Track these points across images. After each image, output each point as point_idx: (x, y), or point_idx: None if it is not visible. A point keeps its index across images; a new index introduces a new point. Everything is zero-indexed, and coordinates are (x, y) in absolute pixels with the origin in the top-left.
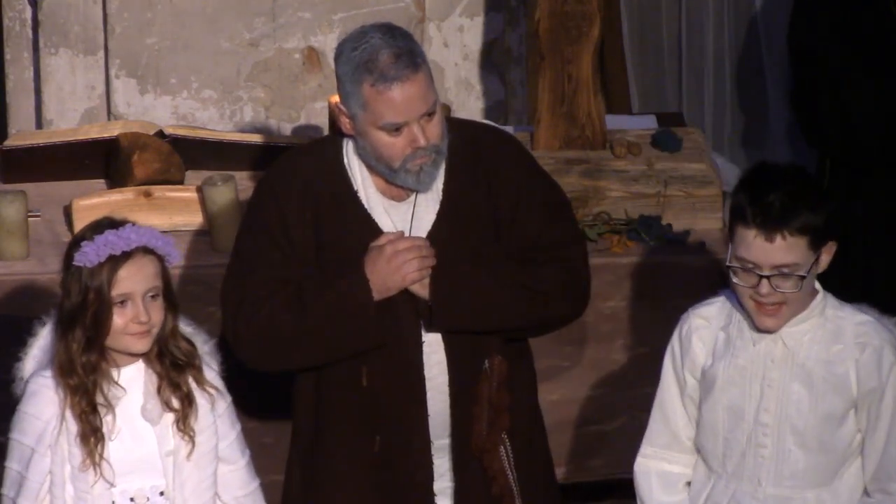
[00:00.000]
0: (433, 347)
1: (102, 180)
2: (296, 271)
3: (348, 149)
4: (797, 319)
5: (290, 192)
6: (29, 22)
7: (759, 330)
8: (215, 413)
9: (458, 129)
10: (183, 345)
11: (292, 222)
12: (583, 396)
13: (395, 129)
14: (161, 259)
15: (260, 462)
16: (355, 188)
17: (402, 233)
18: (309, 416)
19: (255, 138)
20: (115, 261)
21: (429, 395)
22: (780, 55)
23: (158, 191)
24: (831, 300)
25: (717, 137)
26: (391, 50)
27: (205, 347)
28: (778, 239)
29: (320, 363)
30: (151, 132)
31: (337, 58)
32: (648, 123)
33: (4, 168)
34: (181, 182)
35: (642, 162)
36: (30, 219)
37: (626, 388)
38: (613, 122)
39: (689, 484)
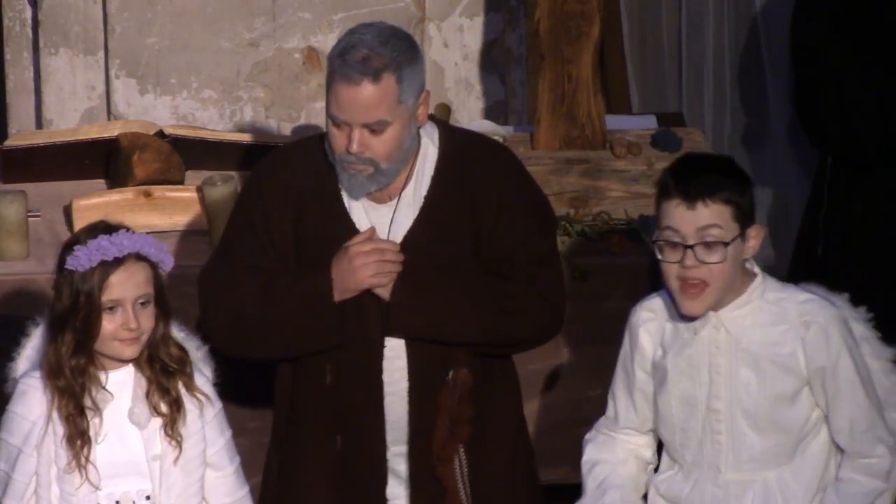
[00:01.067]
0: (396, 352)
1: (102, 180)
2: (272, 262)
3: None
4: (736, 304)
5: (276, 185)
6: (29, 22)
7: (682, 317)
8: (203, 419)
9: (452, 138)
10: (174, 351)
11: (274, 215)
12: (582, 396)
13: (337, 123)
14: (154, 266)
15: (259, 462)
16: (340, 186)
17: (372, 230)
18: (284, 409)
19: (256, 138)
20: (107, 266)
21: (389, 399)
22: (780, 55)
23: (158, 191)
24: (772, 283)
25: (717, 137)
26: (367, 51)
27: (197, 353)
28: (699, 205)
29: (281, 356)
30: (151, 132)
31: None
32: (648, 123)
33: (4, 168)
34: (181, 182)
35: (642, 162)
36: (30, 219)
37: None
38: (613, 122)
39: (644, 462)
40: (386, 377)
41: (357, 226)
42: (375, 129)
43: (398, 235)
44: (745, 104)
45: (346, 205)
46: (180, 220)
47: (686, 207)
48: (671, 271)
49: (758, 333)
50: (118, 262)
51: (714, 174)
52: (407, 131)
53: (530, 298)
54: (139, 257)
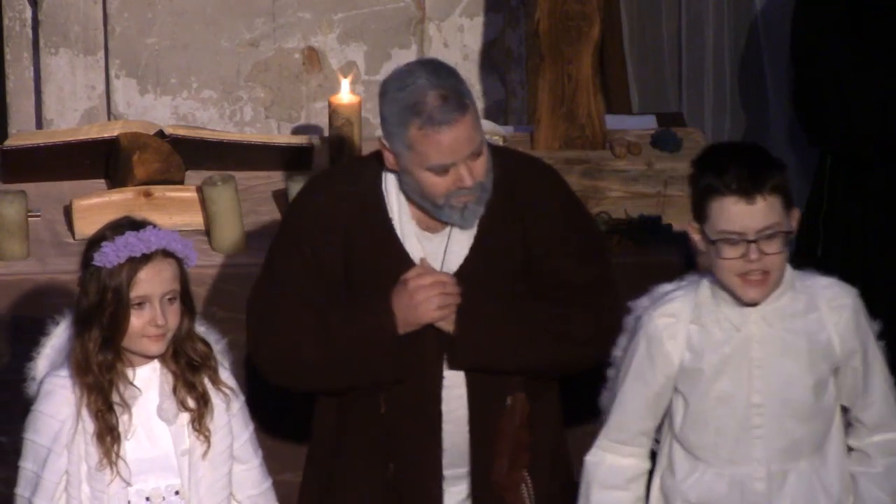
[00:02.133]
0: (454, 381)
1: (102, 180)
2: (322, 293)
3: (386, 175)
4: (774, 295)
5: (320, 213)
6: (29, 22)
7: (745, 304)
8: (230, 413)
9: (501, 162)
10: (199, 346)
11: (322, 243)
12: (586, 396)
13: (442, 170)
14: (179, 262)
15: (266, 462)
16: (391, 215)
17: (424, 261)
18: (329, 438)
19: (255, 138)
20: (135, 263)
21: (447, 427)
22: (780, 55)
23: (158, 191)
24: (795, 271)
25: (717, 137)
26: (437, 91)
27: (217, 346)
28: (759, 199)
29: (338, 391)
30: (151, 132)
31: (382, 96)
32: (648, 123)
33: (4, 168)
34: (181, 182)
35: (642, 162)
36: (30, 219)
37: None
38: (613, 122)
39: (643, 475)
40: (444, 406)
41: (411, 256)
42: (477, 153)
43: (453, 265)
44: (745, 104)
45: (399, 234)
46: (180, 220)
47: (746, 203)
48: (730, 266)
49: (795, 323)
50: (146, 258)
51: (759, 165)
52: (486, 143)
53: (587, 325)
54: (166, 253)
